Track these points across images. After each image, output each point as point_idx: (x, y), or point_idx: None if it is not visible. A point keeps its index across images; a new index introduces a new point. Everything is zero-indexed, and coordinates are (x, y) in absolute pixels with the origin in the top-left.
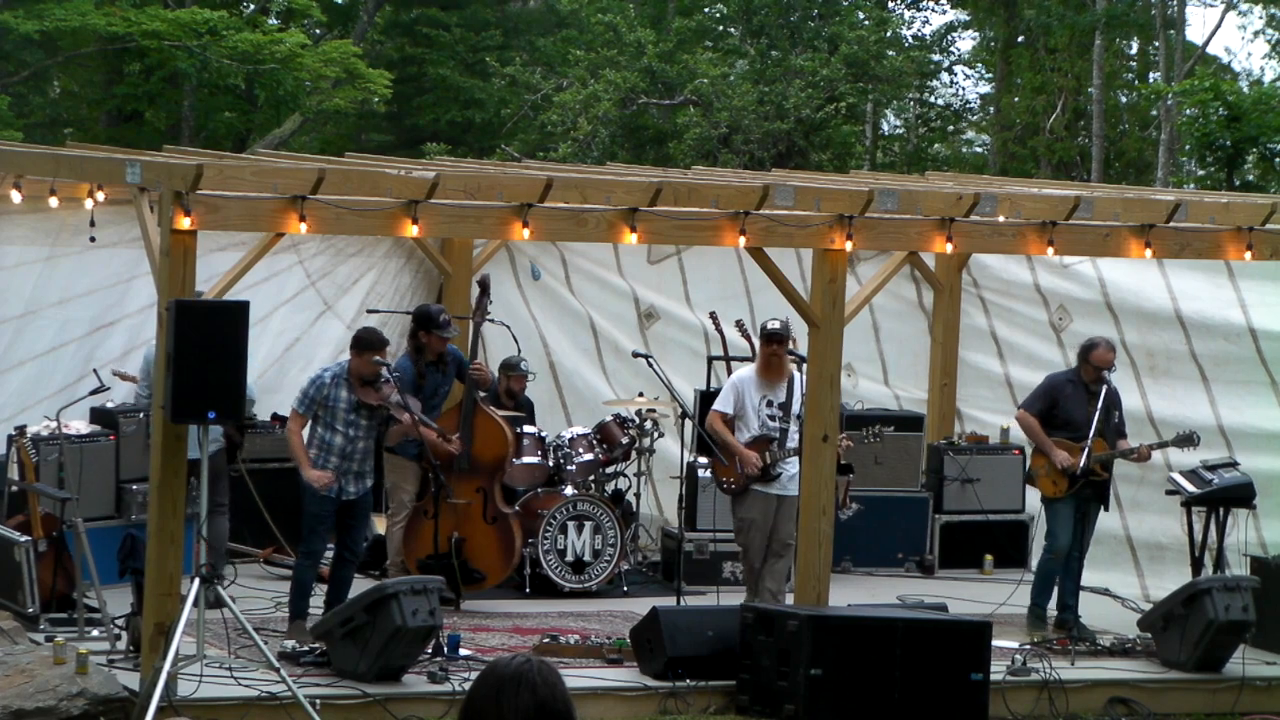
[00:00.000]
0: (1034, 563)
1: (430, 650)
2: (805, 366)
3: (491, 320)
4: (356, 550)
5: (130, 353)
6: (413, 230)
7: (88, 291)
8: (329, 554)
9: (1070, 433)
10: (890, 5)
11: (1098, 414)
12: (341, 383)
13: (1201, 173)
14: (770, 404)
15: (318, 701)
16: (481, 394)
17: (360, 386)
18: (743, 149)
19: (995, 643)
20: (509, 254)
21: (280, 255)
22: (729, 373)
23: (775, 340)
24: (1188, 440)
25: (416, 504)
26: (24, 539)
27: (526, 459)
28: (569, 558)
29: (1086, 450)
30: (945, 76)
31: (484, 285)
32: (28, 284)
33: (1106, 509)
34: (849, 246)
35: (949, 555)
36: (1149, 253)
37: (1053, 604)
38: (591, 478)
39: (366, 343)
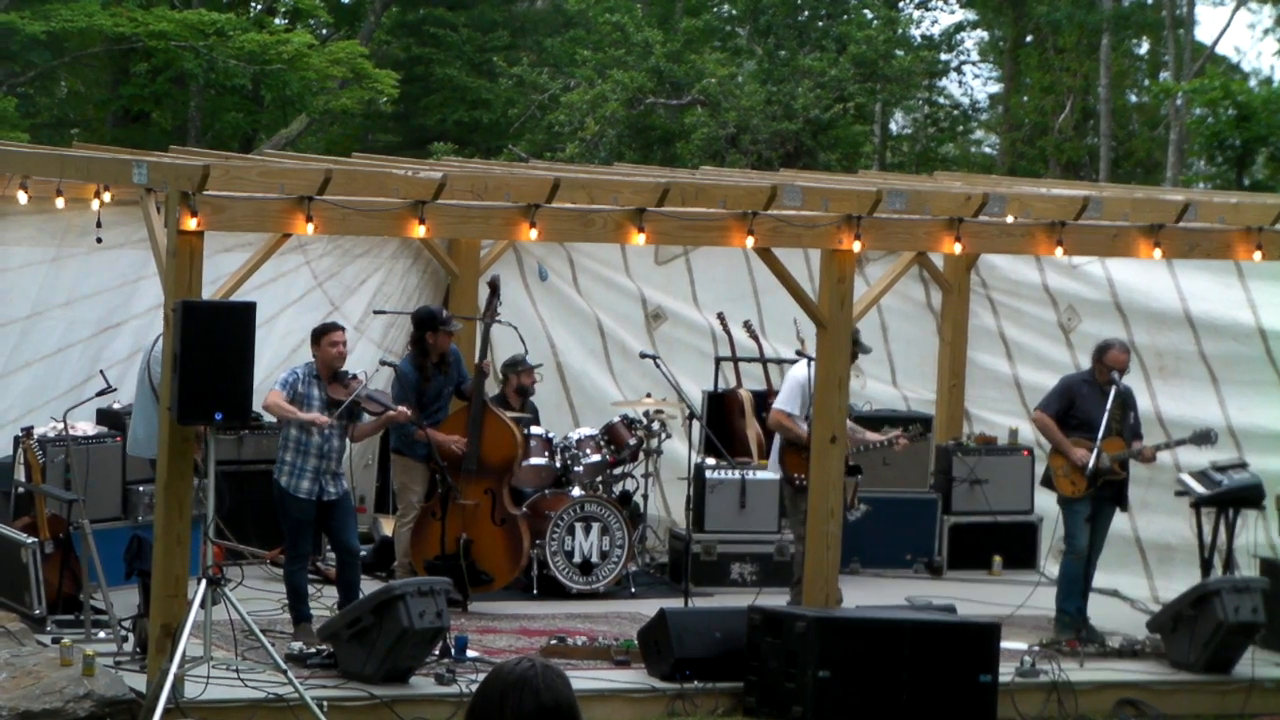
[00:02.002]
0: (1043, 565)
1: (437, 652)
2: (814, 367)
3: (500, 321)
4: (352, 549)
5: (136, 354)
6: (420, 231)
7: (94, 292)
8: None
9: (1087, 433)
10: (899, 5)
11: (1107, 413)
12: (313, 380)
13: (1211, 172)
14: None
15: (324, 703)
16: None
17: (330, 383)
18: (750, 149)
19: (1004, 644)
20: (516, 255)
21: (287, 256)
22: (736, 373)
23: (859, 351)
24: (1204, 438)
25: (424, 505)
26: (30, 540)
27: (534, 460)
28: (576, 559)
29: (1097, 450)
30: (955, 76)
31: (494, 286)
32: (34, 285)
33: (1125, 509)
34: (857, 247)
35: (957, 556)
36: (1158, 253)
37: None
38: (599, 479)
39: (322, 328)
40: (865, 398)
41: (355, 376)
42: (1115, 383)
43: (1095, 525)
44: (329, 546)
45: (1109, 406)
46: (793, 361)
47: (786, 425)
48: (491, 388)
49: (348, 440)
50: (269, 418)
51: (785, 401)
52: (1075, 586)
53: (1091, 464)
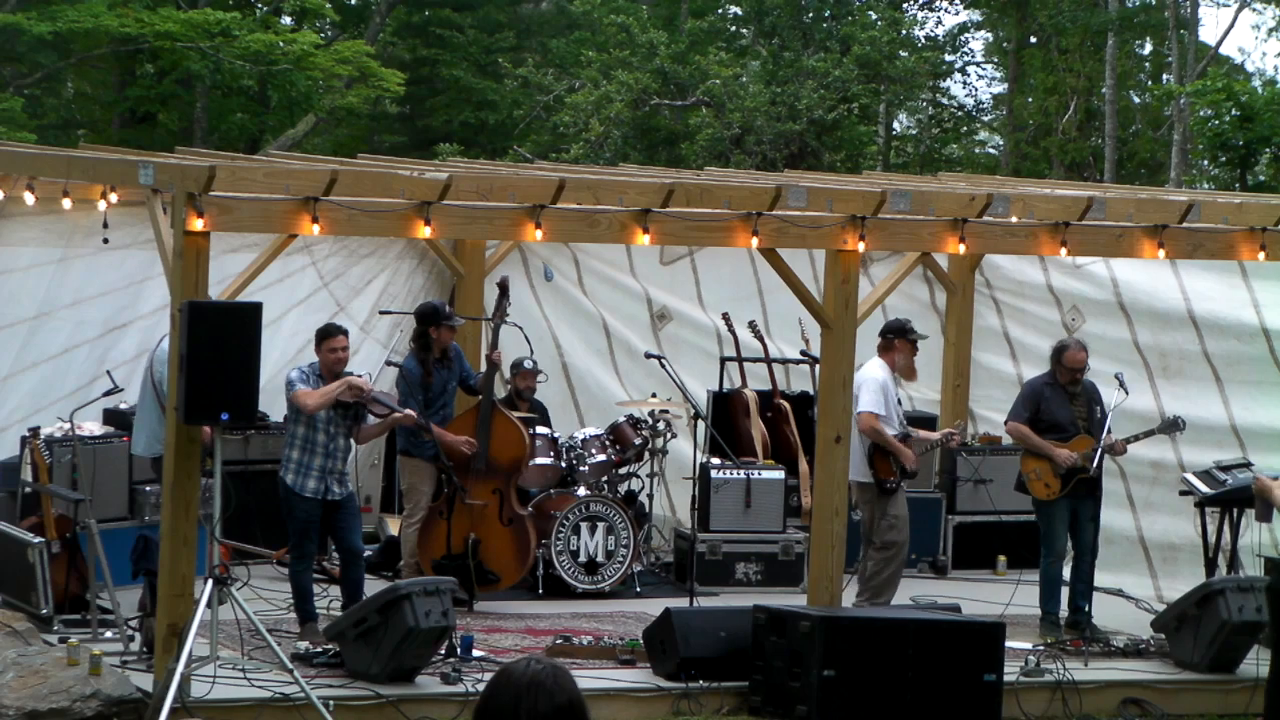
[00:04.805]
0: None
1: (443, 651)
2: (818, 368)
3: (508, 321)
4: (356, 549)
5: (143, 354)
6: (425, 231)
7: (101, 293)
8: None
9: (1056, 435)
10: (903, 6)
11: (1108, 412)
12: (318, 381)
13: (1215, 172)
14: (900, 402)
15: (331, 702)
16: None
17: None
18: (755, 150)
19: (1008, 643)
20: (522, 255)
21: (293, 256)
22: (741, 373)
23: (917, 338)
24: (1173, 425)
25: (432, 505)
26: (38, 540)
27: (539, 460)
28: (582, 559)
29: (1099, 449)
30: (959, 76)
31: (503, 287)
32: (41, 286)
33: (1100, 503)
34: (861, 247)
35: (962, 556)
36: (1162, 253)
37: (1063, 606)
38: (604, 478)
39: (324, 331)
40: None
41: (360, 378)
42: (1120, 383)
43: (1082, 524)
44: (334, 546)
45: (1112, 405)
46: (798, 362)
47: (879, 429)
48: (499, 389)
49: (352, 441)
50: (275, 417)
51: (872, 404)
52: (1055, 588)
53: (1095, 463)
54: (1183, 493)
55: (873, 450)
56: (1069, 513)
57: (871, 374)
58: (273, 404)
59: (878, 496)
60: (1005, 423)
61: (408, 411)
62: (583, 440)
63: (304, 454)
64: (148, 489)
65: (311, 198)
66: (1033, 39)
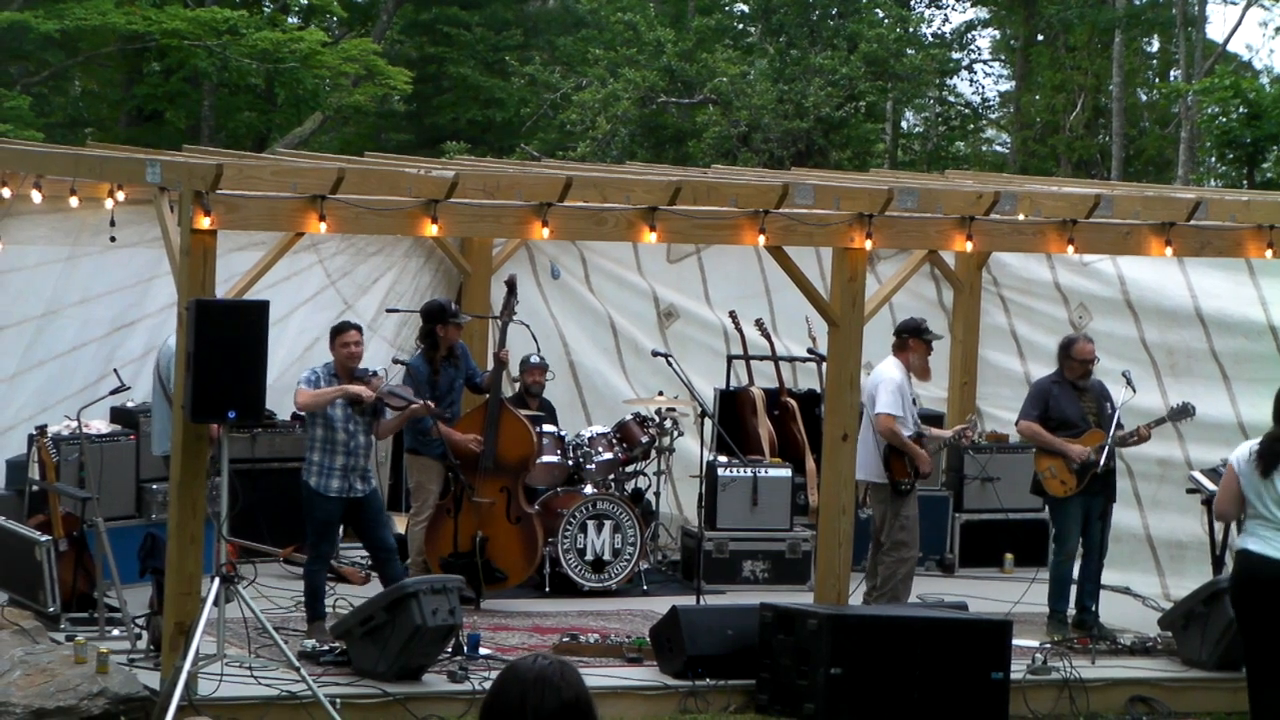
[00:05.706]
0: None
1: (450, 649)
2: (825, 366)
3: (515, 320)
4: (388, 545)
5: (150, 352)
6: (432, 230)
7: (108, 291)
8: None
9: (1067, 432)
10: (910, 3)
11: (1114, 408)
12: (333, 380)
13: (1223, 169)
14: (915, 402)
15: (338, 701)
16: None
17: (348, 381)
18: (762, 148)
19: (1016, 641)
20: (529, 253)
21: (300, 255)
22: (748, 371)
23: (931, 338)
24: (1183, 412)
25: (439, 503)
26: (45, 538)
27: (546, 458)
28: (589, 557)
29: (1107, 447)
30: (966, 74)
31: (511, 285)
32: (48, 284)
33: (1113, 500)
34: (869, 245)
35: (969, 554)
36: (1169, 251)
37: (1070, 605)
38: (611, 477)
39: (337, 328)
40: None
41: (376, 374)
42: (1128, 380)
43: (1091, 522)
44: (362, 546)
45: (1120, 403)
46: (805, 360)
47: (896, 430)
48: (508, 388)
49: (373, 437)
50: (282, 416)
51: (890, 405)
52: (1065, 586)
53: (1102, 460)
54: (1190, 491)
55: (888, 451)
56: (1082, 511)
57: (888, 374)
58: (280, 402)
59: (891, 497)
60: (1016, 423)
61: (425, 401)
62: (590, 438)
63: (324, 455)
64: (155, 487)
65: (319, 196)
66: (1040, 36)
